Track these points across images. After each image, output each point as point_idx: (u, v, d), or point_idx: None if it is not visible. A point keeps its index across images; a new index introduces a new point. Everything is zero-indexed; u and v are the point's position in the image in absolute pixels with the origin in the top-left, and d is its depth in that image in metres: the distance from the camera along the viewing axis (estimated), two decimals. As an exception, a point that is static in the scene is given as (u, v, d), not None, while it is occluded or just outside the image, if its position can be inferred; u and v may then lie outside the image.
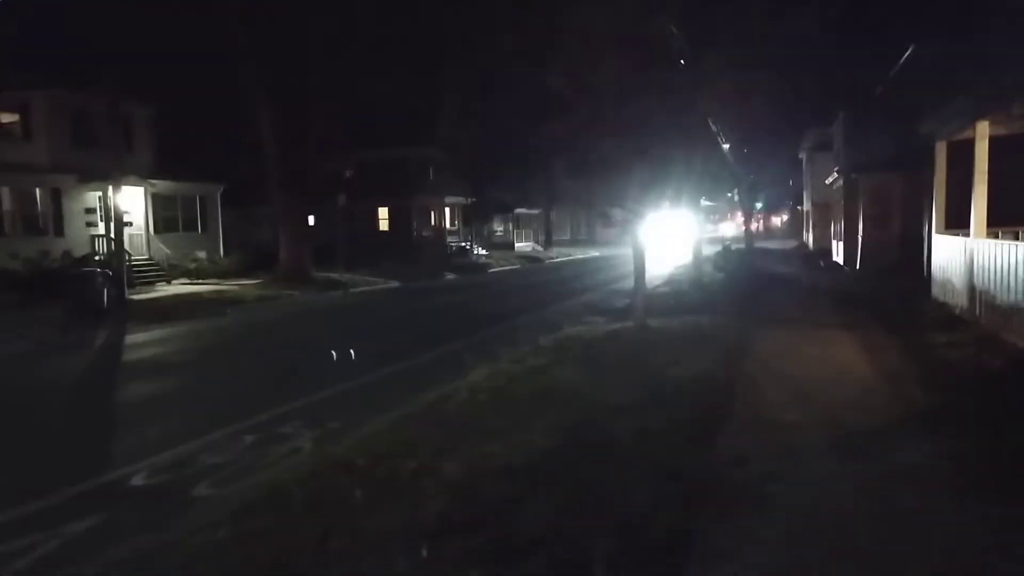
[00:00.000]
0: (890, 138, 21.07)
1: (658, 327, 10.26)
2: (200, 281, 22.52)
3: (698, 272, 19.26)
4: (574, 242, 58.90)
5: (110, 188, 21.44)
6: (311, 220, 43.13)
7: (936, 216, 10.59)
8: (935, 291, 10.71)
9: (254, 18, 20.49)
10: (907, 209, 20.60)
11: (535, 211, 54.03)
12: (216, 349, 11.66)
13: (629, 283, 21.55)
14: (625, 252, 41.84)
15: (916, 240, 19.13)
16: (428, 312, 15.97)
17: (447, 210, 45.47)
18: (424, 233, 42.04)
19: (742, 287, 16.86)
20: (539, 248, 49.87)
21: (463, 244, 42.76)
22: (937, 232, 10.59)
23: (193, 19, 21.19)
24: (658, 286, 18.22)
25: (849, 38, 21.19)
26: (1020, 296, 7.17)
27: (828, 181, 26.95)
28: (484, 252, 41.60)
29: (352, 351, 10.75)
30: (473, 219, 48.25)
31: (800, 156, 41.87)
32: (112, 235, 21.43)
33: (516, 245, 50.82)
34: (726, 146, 33.01)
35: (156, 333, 13.29)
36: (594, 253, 43.75)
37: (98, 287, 14.98)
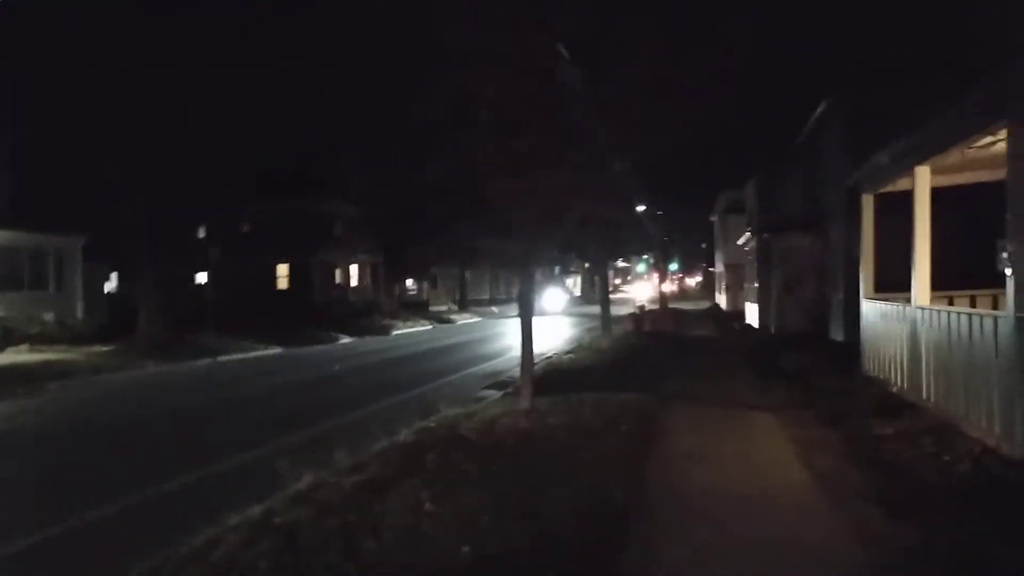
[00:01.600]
0: (803, 198, 20.56)
1: (550, 409, 8.36)
2: (43, 348, 19.25)
3: (608, 336, 17.71)
4: (492, 301, 57.27)
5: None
6: (202, 278, 40.11)
7: (864, 278, 9.30)
8: (866, 364, 9.33)
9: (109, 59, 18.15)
10: (821, 271, 19.90)
11: (452, 270, 52.18)
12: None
13: (539, 347, 19.82)
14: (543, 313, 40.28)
15: (831, 304, 18.30)
16: (294, 387, 13.55)
17: (354, 268, 43.03)
18: (328, 292, 39.32)
19: (653, 353, 15.34)
20: (454, 308, 47.89)
21: (369, 304, 40.25)
22: (866, 297, 9.27)
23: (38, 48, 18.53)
24: (565, 351, 16.53)
25: (760, 96, 20.76)
26: (989, 379, 5.67)
27: (740, 242, 26.40)
28: (392, 312, 39.20)
29: (155, 448, 8.39)
30: (384, 278, 45.91)
31: (712, 219, 42.18)
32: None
33: (431, 305, 48.66)
34: (641, 208, 32.59)
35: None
36: (511, 313, 42.09)
37: None
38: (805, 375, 10.25)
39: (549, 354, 17.11)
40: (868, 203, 9.09)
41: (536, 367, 13.82)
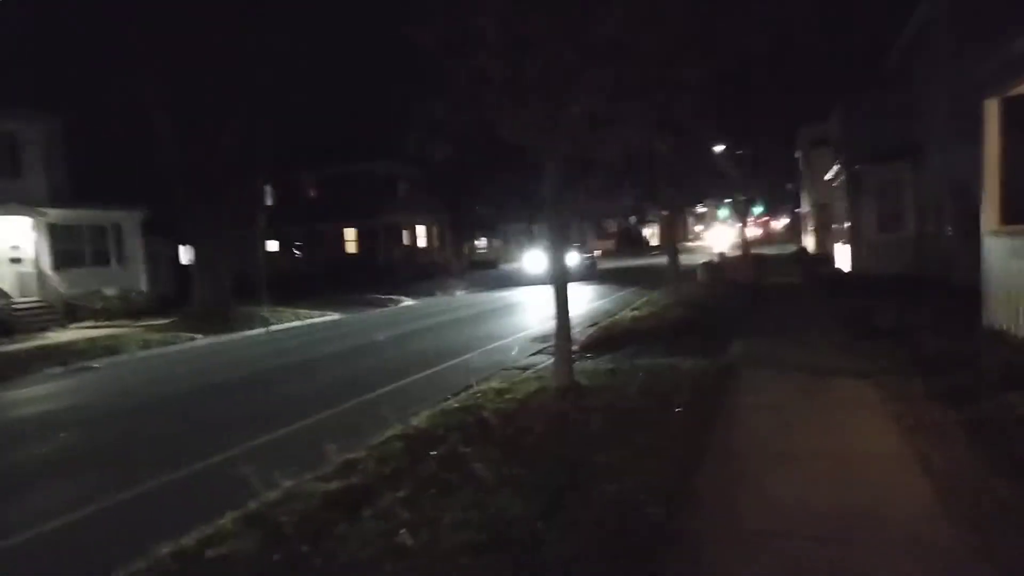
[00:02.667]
0: (897, 123, 18.03)
1: (593, 384, 7.09)
2: (104, 323, 19.41)
3: (677, 290, 16.08)
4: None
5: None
6: (273, 246, 40.49)
7: (987, 208, 7.42)
8: (993, 316, 7.52)
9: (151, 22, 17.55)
10: (922, 205, 17.48)
11: (521, 225, 50.81)
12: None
13: (606, 304, 18.41)
14: (621, 264, 38.28)
15: (936, 242, 16.00)
16: (331, 358, 12.71)
17: (421, 228, 42.37)
18: (395, 254, 38.88)
19: (727, 308, 13.70)
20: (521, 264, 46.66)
21: (436, 265, 39.64)
22: (991, 231, 7.41)
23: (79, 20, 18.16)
24: (630, 308, 15.08)
25: (840, 9, 18.18)
26: None
27: (828, 177, 23.86)
28: (459, 272, 38.44)
29: (156, 437, 7.62)
30: (451, 237, 45.14)
31: (797, 155, 38.97)
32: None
33: (500, 263, 47.70)
34: (719, 148, 30.11)
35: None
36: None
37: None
38: (908, 331, 8.49)
39: (614, 312, 15.73)
40: (992, 111, 7.15)
41: (593, 328, 12.55)
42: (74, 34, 18.27)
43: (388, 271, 35.52)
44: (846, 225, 20.26)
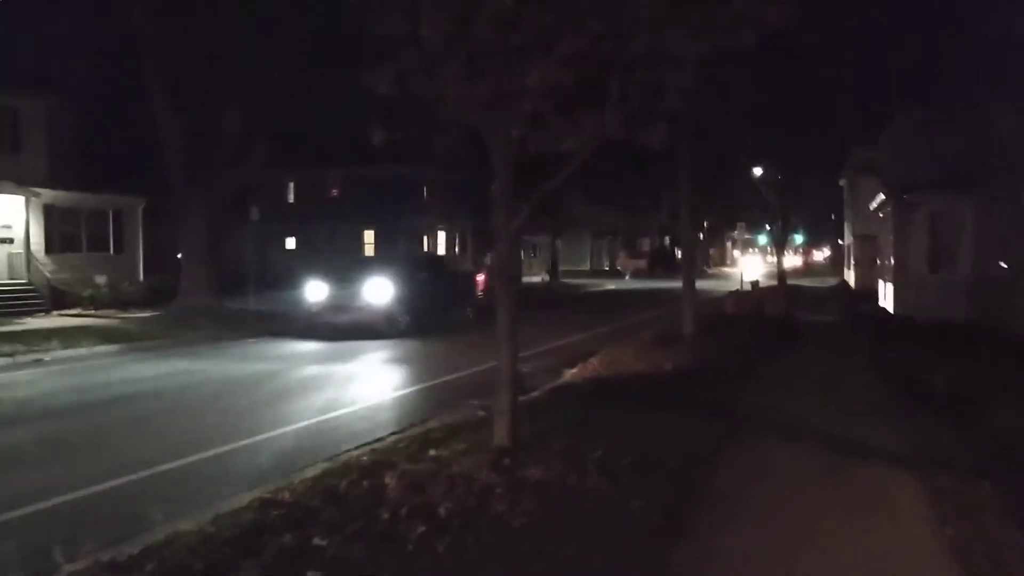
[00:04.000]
0: (957, 148, 16.00)
1: (542, 445, 5.46)
2: (91, 313, 18.41)
3: (692, 322, 14.28)
4: (594, 273, 53.82)
5: (-32, 196, 17.66)
6: (291, 243, 39.59)
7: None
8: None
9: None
10: (983, 241, 15.48)
11: (544, 237, 49.09)
12: None
13: (611, 323, 16.44)
14: (648, 287, 36.16)
15: (996, 285, 14.03)
16: (280, 373, 11.29)
17: (442, 235, 41.07)
18: (413, 260, 37.64)
19: (747, 348, 11.87)
20: (547, 280, 45.03)
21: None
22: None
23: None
24: (636, 333, 13.37)
25: (898, 20, 16.33)
26: None
27: (873, 207, 21.82)
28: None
29: None
30: (472, 246, 43.75)
31: (841, 183, 36.67)
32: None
33: (523, 276, 46.10)
34: (756, 171, 28.21)
35: None
36: (609, 286, 38.83)
37: None
38: (969, 399, 6.70)
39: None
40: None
41: (574, 369, 10.53)
42: (75, 10, 17.38)
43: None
44: (891, 261, 18.25)
